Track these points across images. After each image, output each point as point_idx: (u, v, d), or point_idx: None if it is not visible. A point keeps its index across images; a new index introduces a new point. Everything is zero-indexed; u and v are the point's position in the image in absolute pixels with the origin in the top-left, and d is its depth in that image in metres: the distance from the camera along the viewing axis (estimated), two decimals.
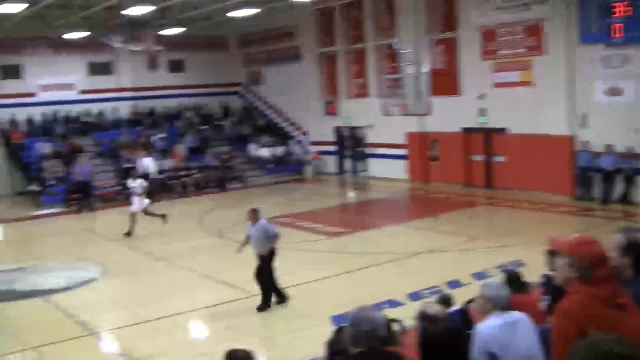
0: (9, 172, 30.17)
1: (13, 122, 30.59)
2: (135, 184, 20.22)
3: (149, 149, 29.13)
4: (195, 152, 30.87)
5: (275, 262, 12.26)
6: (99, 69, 33.08)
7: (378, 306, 11.40)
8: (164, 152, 29.86)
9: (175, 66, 35.20)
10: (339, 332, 5.97)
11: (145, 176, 26.39)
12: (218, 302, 12.81)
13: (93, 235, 21.73)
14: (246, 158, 32.43)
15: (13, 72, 31.13)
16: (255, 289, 12.37)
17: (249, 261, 12.49)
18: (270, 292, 12.22)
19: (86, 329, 11.97)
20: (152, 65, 33.58)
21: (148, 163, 27.20)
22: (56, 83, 32.07)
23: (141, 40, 29.24)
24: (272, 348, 10.69)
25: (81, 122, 31.94)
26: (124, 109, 33.37)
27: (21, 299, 14.20)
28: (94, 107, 32.75)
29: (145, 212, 20.08)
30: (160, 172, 27.86)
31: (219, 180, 29.13)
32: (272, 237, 12.10)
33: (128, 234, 19.65)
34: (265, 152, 32.23)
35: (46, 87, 31.86)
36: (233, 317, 12.02)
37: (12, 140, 29.86)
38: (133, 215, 19.77)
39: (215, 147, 31.52)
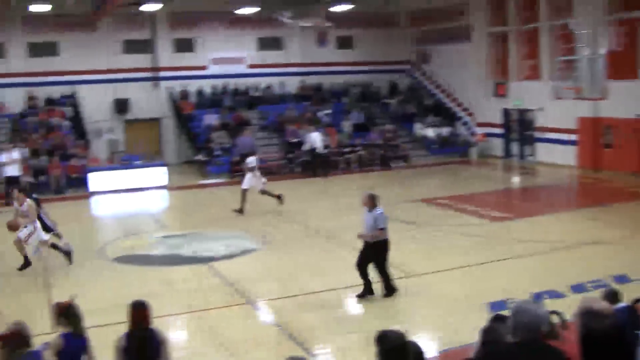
0: (178, 141, 31.35)
1: (184, 94, 31.65)
2: (251, 159, 20.04)
3: (315, 124, 29.24)
4: (360, 129, 30.72)
5: (387, 253, 11.54)
6: (269, 44, 33.61)
7: (538, 296, 10.80)
8: (329, 128, 29.87)
9: (344, 43, 35.12)
10: (495, 320, 5.73)
11: (312, 151, 26.67)
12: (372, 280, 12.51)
13: (254, 206, 22.04)
14: (411, 137, 31.93)
15: (186, 46, 32.23)
16: (413, 269, 11.98)
17: (414, 241, 12.12)
18: (388, 278, 11.72)
19: (243, 298, 12.10)
20: (321, 41, 33.73)
21: (315, 138, 27.29)
22: (227, 57, 32.88)
23: (311, 16, 29.39)
24: (423, 332, 10.23)
25: (249, 95, 32.57)
26: (291, 84, 33.69)
27: (185, 264, 14.61)
28: (262, 81, 33.29)
29: (262, 191, 19.92)
30: (326, 147, 27.84)
31: (383, 159, 28.85)
32: (378, 230, 11.45)
33: (239, 210, 19.53)
34: (430, 132, 31.58)
35: (217, 61, 32.74)
36: (385, 297, 11.70)
37: (182, 111, 30.90)
38: (244, 192, 19.67)
39: (380, 125, 31.24)
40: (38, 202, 15.10)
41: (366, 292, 11.61)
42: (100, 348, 7.03)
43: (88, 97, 30.07)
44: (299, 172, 27.53)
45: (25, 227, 13.81)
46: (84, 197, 24.11)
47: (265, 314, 11.36)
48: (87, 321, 6.93)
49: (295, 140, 28.52)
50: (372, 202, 11.48)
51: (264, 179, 20.14)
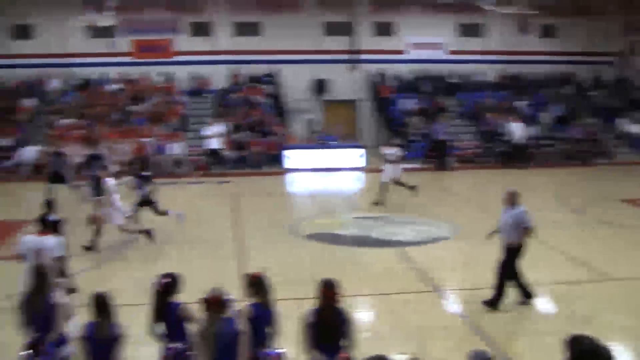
0: (375, 125, 31.45)
1: (382, 77, 31.64)
2: (391, 151, 19.25)
3: (514, 114, 28.22)
4: (561, 122, 29.28)
5: (521, 256, 10.58)
6: (468, 30, 32.89)
7: None
8: (530, 119, 28.69)
9: (547, 31, 33.64)
10: None
11: (511, 141, 25.80)
12: (564, 280, 11.75)
13: (446, 194, 21.67)
14: (614, 133, 30.04)
15: (385, 30, 32.21)
16: (611, 271, 11.10)
17: (608, 242, 11.23)
18: (504, 288, 10.63)
19: (431, 285, 11.85)
20: (523, 29, 32.51)
21: (514, 129, 26.38)
22: (425, 42, 32.54)
23: (513, 3, 28.38)
24: (619, 339, 9.37)
25: (447, 82, 32.03)
26: (490, 72, 32.75)
27: (375, 247, 14.53)
28: (460, 68, 32.62)
29: (397, 182, 19.14)
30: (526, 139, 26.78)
31: (584, 154, 27.35)
32: (524, 229, 10.46)
33: (377, 203, 18.83)
34: (637, 129, 29.55)
35: (416, 46, 32.50)
36: (579, 298, 10.91)
37: (380, 95, 30.93)
38: (384, 185, 18.98)
39: (582, 119, 29.61)
40: (147, 180, 15.49)
41: (526, 297, 10.71)
42: (285, 320, 7.11)
43: (288, 77, 30.89)
44: (495, 162, 26.70)
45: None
46: (280, 174, 24.84)
47: (452, 304, 11.00)
48: (276, 293, 7.00)
49: (492, 129, 27.69)
50: (513, 199, 10.63)
51: (400, 168, 19.33)
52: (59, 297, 7.25)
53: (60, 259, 9.27)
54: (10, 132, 26.45)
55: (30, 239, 9.18)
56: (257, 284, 6.85)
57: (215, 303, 6.38)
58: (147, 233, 14.65)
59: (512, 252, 10.46)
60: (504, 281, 10.47)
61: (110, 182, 14.20)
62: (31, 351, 6.95)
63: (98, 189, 14.31)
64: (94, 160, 19.34)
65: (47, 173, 19.65)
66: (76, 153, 20.28)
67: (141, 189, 15.39)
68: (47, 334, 6.96)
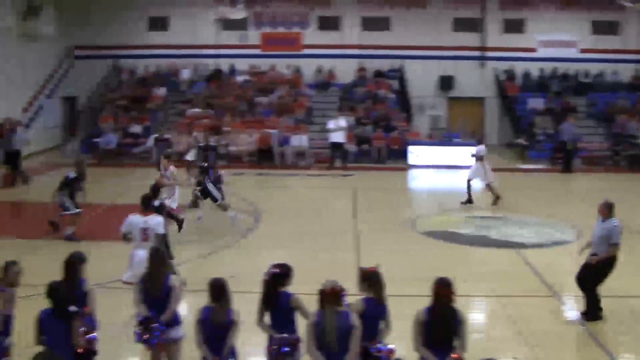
0: (500, 123, 30.94)
1: (510, 75, 31.06)
2: (480, 149, 18.57)
3: None
4: None
5: (609, 272, 10.01)
6: (603, 27, 31.67)
7: None
8: None
9: None
10: None
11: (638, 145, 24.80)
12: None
13: (571, 196, 21.11)
14: None
15: (515, 27, 31.58)
16: None
17: None
18: (597, 299, 10.12)
19: (550, 290, 11.59)
20: None
21: None
22: (557, 40, 31.62)
23: None
24: None
25: (578, 81, 31.04)
26: (625, 72, 31.45)
27: (493, 247, 14.38)
28: (593, 67, 31.52)
29: (488, 185, 18.47)
30: None
31: None
32: (612, 245, 9.91)
33: (495, 202, 18.22)
34: None
35: (546, 43, 31.64)
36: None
37: (507, 93, 30.38)
38: (489, 187, 18.43)
39: None
40: (207, 171, 15.75)
41: (592, 312, 10.16)
42: (397, 317, 7.13)
43: (414, 72, 30.80)
44: (625, 166, 25.71)
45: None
46: (402, 169, 24.84)
47: (571, 310, 10.75)
48: (389, 289, 7.04)
49: (624, 132, 26.65)
50: (608, 211, 10.11)
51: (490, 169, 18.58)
52: (174, 280, 7.62)
53: (162, 237, 9.96)
54: (142, 119, 27.74)
55: (135, 218, 9.82)
56: (371, 279, 6.90)
57: (332, 295, 6.45)
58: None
59: (600, 265, 10.05)
60: (594, 291, 10.14)
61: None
62: (143, 327, 7.28)
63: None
64: (209, 150, 19.80)
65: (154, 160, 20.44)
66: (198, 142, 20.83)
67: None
68: (160, 313, 7.29)
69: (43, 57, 28.76)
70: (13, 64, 25.92)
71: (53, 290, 6.70)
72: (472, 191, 18.62)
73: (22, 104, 26.88)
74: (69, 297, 6.81)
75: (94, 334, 7.04)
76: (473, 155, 18.74)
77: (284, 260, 7.18)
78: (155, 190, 11.81)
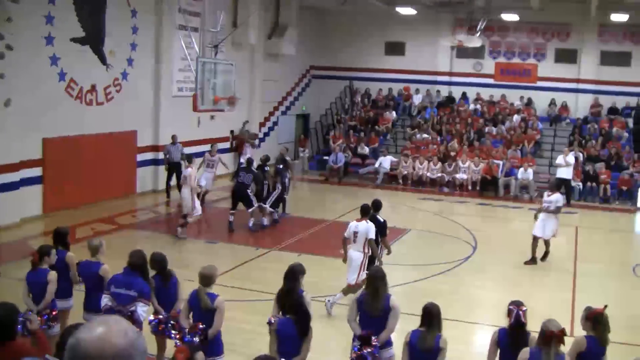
0: None
1: None
2: (553, 198, 15.76)
3: None
4: None
5: None
6: None
7: None
8: None
9: None
10: None
11: None
12: None
13: None
14: None
15: None
16: None
17: None
18: None
19: None
20: None
21: None
22: None
23: None
24: None
25: None
26: None
27: None
28: None
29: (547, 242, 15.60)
30: None
31: None
32: None
33: (531, 261, 15.53)
34: None
35: None
36: None
37: None
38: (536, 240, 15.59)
39: None
40: (265, 175, 18.56)
41: None
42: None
43: None
44: None
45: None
46: (629, 211, 24.02)
47: None
48: (614, 335, 7.02)
49: None
50: None
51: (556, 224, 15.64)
52: (394, 301, 7.73)
53: (371, 242, 11.56)
54: (372, 141, 29.11)
55: (352, 224, 11.82)
56: (595, 319, 6.88)
57: (558, 337, 6.40)
58: None
59: None
60: None
61: None
62: (361, 344, 7.56)
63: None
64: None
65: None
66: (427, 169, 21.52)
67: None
68: (378, 333, 7.56)
69: (283, 74, 31.05)
70: (257, 78, 28.19)
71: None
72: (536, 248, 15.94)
73: (260, 119, 29.23)
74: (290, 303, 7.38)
75: None
76: (546, 209, 15.52)
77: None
78: (377, 205, 12.71)
